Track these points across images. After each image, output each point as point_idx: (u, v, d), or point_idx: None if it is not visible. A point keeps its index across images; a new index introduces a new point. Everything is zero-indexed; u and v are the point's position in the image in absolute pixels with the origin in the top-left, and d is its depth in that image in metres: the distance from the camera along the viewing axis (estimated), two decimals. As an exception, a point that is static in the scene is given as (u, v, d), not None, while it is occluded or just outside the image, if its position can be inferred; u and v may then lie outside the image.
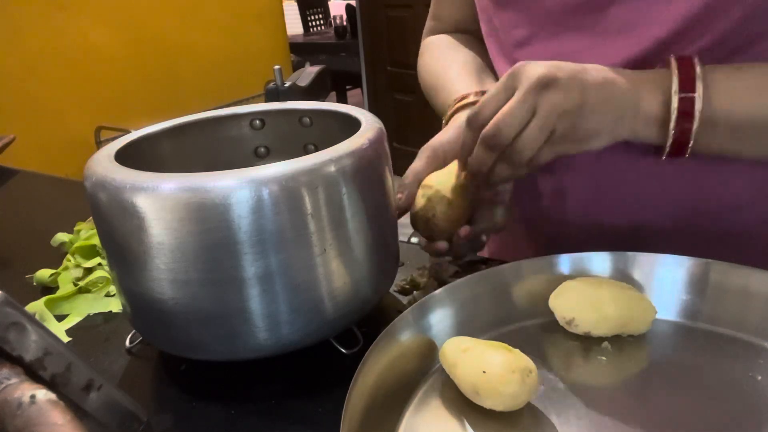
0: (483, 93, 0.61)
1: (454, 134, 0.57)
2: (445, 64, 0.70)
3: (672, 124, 0.47)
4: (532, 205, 0.63)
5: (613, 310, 0.44)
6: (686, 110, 0.47)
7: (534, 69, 0.45)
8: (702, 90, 0.46)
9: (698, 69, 0.47)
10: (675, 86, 0.46)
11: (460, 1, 0.72)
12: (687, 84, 0.46)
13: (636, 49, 0.51)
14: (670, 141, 0.48)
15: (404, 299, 0.55)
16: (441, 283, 0.53)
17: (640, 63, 0.52)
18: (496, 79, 0.68)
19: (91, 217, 0.70)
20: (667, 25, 0.50)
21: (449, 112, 0.63)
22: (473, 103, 0.61)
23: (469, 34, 0.74)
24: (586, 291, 0.45)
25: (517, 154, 0.46)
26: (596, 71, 0.47)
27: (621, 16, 0.52)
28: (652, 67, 0.51)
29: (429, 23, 0.78)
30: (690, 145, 0.48)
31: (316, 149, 0.51)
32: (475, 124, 0.48)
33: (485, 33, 0.66)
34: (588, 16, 0.54)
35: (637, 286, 0.47)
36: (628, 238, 0.58)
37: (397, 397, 0.40)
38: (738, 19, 0.47)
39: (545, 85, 0.45)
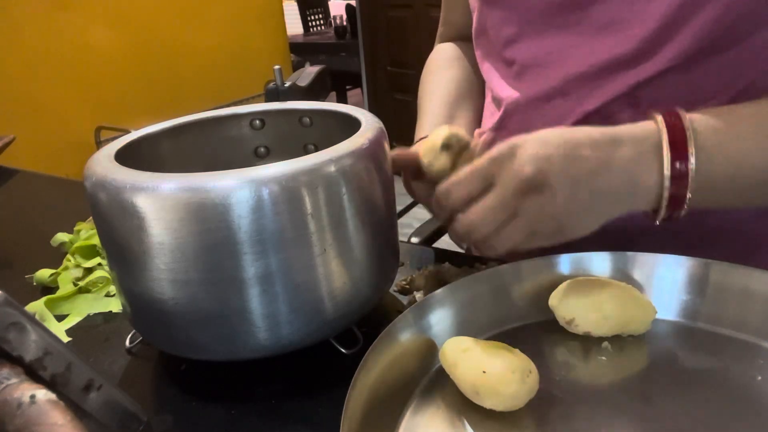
0: None
1: None
2: (430, 88, 0.71)
3: (666, 194, 0.44)
4: None
5: (613, 310, 0.44)
6: (681, 180, 0.43)
7: (521, 166, 0.41)
8: (695, 157, 0.43)
9: (688, 133, 0.43)
10: (667, 156, 0.43)
11: (463, 7, 0.73)
12: (680, 152, 0.43)
13: (622, 48, 0.52)
14: (663, 211, 0.45)
15: (404, 299, 0.55)
16: (441, 284, 0.53)
17: (627, 61, 0.52)
18: (477, 96, 0.69)
19: (91, 217, 0.70)
20: (648, 23, 0.50)
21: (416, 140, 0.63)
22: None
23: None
24: (586, 291, 0.45)
25: (491, 250, 0.45)
26: (591, 152, 0.43)
27: (603, 14, 0.52)
28: (634, 67, 0.51)
29: (440, 29, 0.80)
30: (683, 211, 0.45)
31: (316, 149, 0.51)
32: (445, 205, 0.46)
33: (474, 33, 0.67)
34: (571, 14, 0.54)
35: (637, 286, 0.47)
36: (628, 239, 0.58)
37: (397, 397, 0.40)
38: (716, 17, 0.47)
39: (530, 187, 0.41)
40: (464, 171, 0.45)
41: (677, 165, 0.43)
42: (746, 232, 0.58)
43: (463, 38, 0.76)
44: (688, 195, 0.44)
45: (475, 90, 0.71)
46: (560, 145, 0.42)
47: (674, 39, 0.49)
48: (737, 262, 0.46)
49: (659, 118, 0.44)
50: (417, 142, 0.63)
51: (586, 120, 0.55)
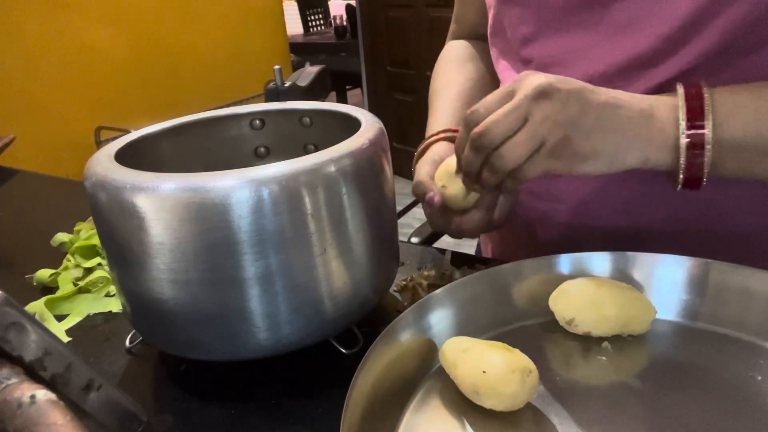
0: (454, 131, 0.62)
1: (434, 169, 0.57)
2: (442, 84, 0.71)
3: (682, 158, 0.45)
4: (532, 205, 0.63)
5: (613, 310, 0.44)
6: (696, 142, 0.45)
7: (536, 78, 0.44)
8: (712, 121, 0.44)
9: (706, 97, 0.45)
10: (683, 118, 0.45)
11: (477, 5, 0.73)
12: (696, 115, 0.45)
13: (641, 47, 0.51)
14: (682, 174, 0.46)
15: (404, 299, 0.55)
16: (441, 284, 0.53)
17: (647, 61, 0.51)
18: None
19: (91, 217, 0.70)
20: (671, 22, 0.49)
21: (420, 147, 0.63)
22: (446, 139, 0.62)
23: (485, 41, 0.74)
24: (586, 291, 0.45)
25: (500, 160, 0.44)
26: (607, 93, 0.45)
27: (624, 12, 0.52)
28: (655, 66, 0.50)
29: (452, 26, 0.79)
30: (704, 175, 0.46)
31: (316, 149, 0.51)
32: (469, 123, 0.47)
33: (490, 31, 0.66)
34: (591, 12, 0.54)
35: (637, 286, 0.47)
36: (628, 239, 0.58)
37: (397, 397, 0.40)
38: (741, 16, 0.47)
39: (542, 93, 0.43)
40: (491, 95, 0.46)
41: (693, 123, 0.44)
42: (754, 237, 0.58)
43: (475, 36, 0.76)
44: (707, 153, 0.44)
45: (488, 89, 0.70)
46: (578, 81, 0.45)
47: (698, 38, 0.49)
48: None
49: (679, 85, 0.47)
50: (428, 138, 0.63)
51: None
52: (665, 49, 0.50)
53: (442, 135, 0.62)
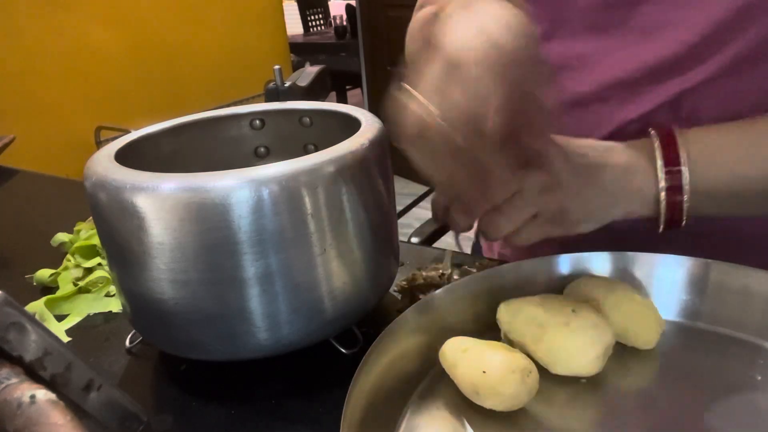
0: None
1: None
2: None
3: (663, 200, 0.47)
4: None
5: (615, 320, 0.43)
6: (675, 185, 0.46)
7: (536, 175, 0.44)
8: (688, 164, 0.46)
9: (680, 142, 0.46)
10: (660, 162, 0.46)
11: None
12: (672, 159, 0.46)
13: (666, 53, 0.50)
14: (663, 217, 0.48)
15: (404, 299, 0.55)
16: (441, 284, 0.53)
17: (672, 67, 0.50)
18: None
19: (91, 217, 0.70)
20: (697, 29, 0.48)
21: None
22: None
23: None
24: (590, 294, 0.45)
25: (496, 232, 0.46)
26: (590, 149, 0.47)
27: (648, 17, 0.50)
28: (679, 74, 0.50)
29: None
30: (684, 218, 0.48)
31: (316, 149, 0.51)
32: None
33: None
34: (612, 14, 0.52)
35: (637, 286, 0.47)
36: (628, 238, 0.58)
37: (397, 397, 0.40)
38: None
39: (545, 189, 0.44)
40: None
41: (670, 169, 0.46)
42: (754, 237, 0.58)
43: None
44: (685, 198, 0.46)
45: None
46: (563, 143, 0.45)
47: (725, 46, 0.48)
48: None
49: (652, 131, 0.48)
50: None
51: (625, 128, 0.54)
52: (691, 55, 0.49)
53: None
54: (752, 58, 0.48)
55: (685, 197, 0.46)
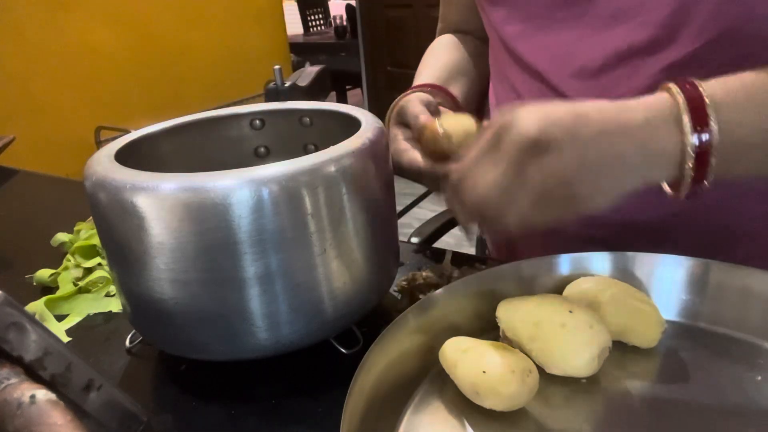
0: (430, 86, 0.63)
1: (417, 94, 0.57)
2: (427, 63, 0.72)
3: (691, 161, 0.41)
4: None
5: (613, 319, 0.43)
6: (704, 143, 0.41)
7: (525, 127, 0.39)
8: (716, 124, 0.41)
9: (708, 101, 0.41)
10: (688, 124, 0.40)
11: (459, 4, 0.75)
12: (700, 120, 0.41)
13: (638, 36, 0.51)
14: (687, 180, 0.42)
15: (404, 299, 0.55)
16: (441, 284, 0.53)
17: (648, 48, 0.51)
18: (473, 78, 0.69)
19: (91, 217, 0.70)
20: (660, 10, 0.49)
21: (394, 102, 0.60)
22: (420, 91, 0.61)
23: (471, 35, 0.75)
24: (588, 296, 0.45)
25: (503, 224, 0.41)
26: (597, 115, 0.41)
27: (611, 3, 0.52)
28: (650, 57, 0.50)
29: (439, 25, 0.81)
30: (709, 180, 0.42)
31: (316, 149, 0.51)
32: (456, 186, 0.43)
33: (487, 27, 0.67)
34: (575, 7, 0.54)
35: (637, 286, 0.47)
36: (626, 235, 0.58)
37: (397, 397, 0.40)
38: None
39: (537, 150, 0.38)
40: (470, 154, 0.42)
41: (699, 132, 0.40)
42: (754, 236, 0.58)
43: (460, 32, 0.77)
44: (712, 161, 0.41)
45: (470, 73, 0.71)
46: (565, 109, 0.40)
47: (692, 20, 0.48)
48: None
49: (673, 87, 0.42)
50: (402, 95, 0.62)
51: None
52: (663, 34, 0.50)
53: (416, 89, 0.62)
54: (725, 34, 0.48)
55: (713, 159, 0.41)
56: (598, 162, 0.40)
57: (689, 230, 0.57)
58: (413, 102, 0.56)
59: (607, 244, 0.56)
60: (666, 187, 0.45)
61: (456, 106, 0.64)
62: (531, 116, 0.39)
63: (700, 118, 0.40)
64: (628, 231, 0.58)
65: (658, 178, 0.43)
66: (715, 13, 0.48)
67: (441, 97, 0.63)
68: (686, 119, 0.41)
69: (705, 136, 0.40)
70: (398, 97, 0.62)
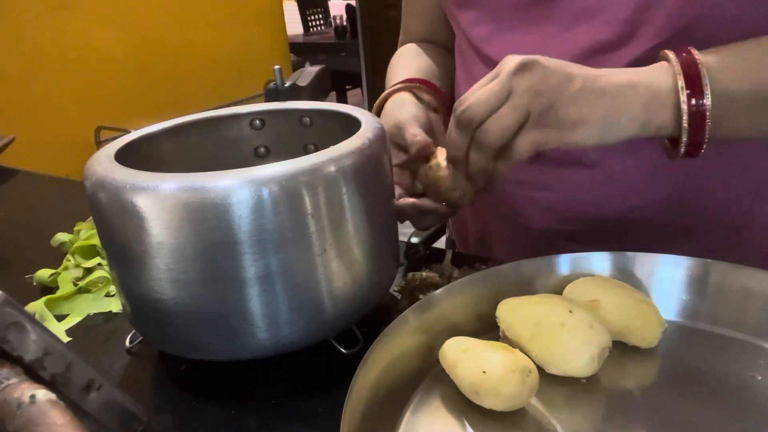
0: (416, 80, 0.64)
1: (413, 109, 0.59)
2: (399, 67, 0.72)
3: (685, 120, 0.44)
4: (522, 194, 0.63)
5: (613, 317, 0.43)
6: (695, 85, 0.44)
7: (518, 56, 0.45)
8: (706, 67, 0.44)
9: (694, 49, 0.45)
10: (681, 80, 0.44)
11: (423, 15, 0.75)
12: (689, 61, 0.44)
13: (603, 34, 0.52)
14: (685, 138, 0.45)
15: (404, 299, 0.55)
16: (441, 284, 0.53)
17: (612, 44, 0.52)
18: (441, 84, 0.70)
19: (91, 217, 0.70)
20: (622, 7, 0.50)
21: (381, 96, 0.65)
22: (405, 89, 0.63)
23: (434, 44, 0.76)
24: (587, 294, 0.45)
25: (486, 135, 0.44)
26: (589, 67, 0.46)
27: (574, 4, 0.53)
28: (613, 53, 0.52)
29: (400, 36, 0.81)
30: (707, 128, 0.44)
31: (316, 149, 0.51)
32: (457, 111, 0.47)
33: (456, 31, 0.67)
34: (541, 7, 0.55)
35: (637, 286, 0.47)
36: (619, 226, 0.59)
37: (397, 397, 0.40)
38: None
39: (523, 67, 0.44)
40: (478, 82, 0.47)
41: (688, 70, 0.44)
42: (753, 235, 0.58)
43: (425, 41, 0.78)
44: (707, 102, 0.43)
45: (440, 77, 0.71)
46: (564, 61, 0.45)
47: (652, 19, 0.50)
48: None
49: (668, 53, 0.46)
50: (388, 89, 0.65)
51: None
52: (626, 31, 0.51)
53: (400, 85, 0.64)
54: (678, 34, 0.49)
55: (707, 100, 0.43)
56: (583, 91, 0.44)
57: (650, 224, 0.58)
58: (410, 124, 0.57)
59: (574, 237, 0.57)
60: (667, 145, 0.48)
61: (442, 103, 0.66)
62: (525, 55, 0.45)
63: (688, 59, 0.44)
64: (593, 225, 0.59)
65: (655, 123, 0.45)
66: (674, 13, 0.49)
67: (430, 94, 0.65)
68: (675, 61, 0.45)
69: (695, 73, 0.44)
70: (386, 91, 0.65)
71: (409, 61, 0.72)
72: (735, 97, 0.45)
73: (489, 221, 0.71)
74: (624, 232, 0.59)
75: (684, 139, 0.45)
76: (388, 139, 0.56)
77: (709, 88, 0.43)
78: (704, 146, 0.45)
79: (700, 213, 0.57)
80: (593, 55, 0.53)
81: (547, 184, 0.60)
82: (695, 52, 0.45)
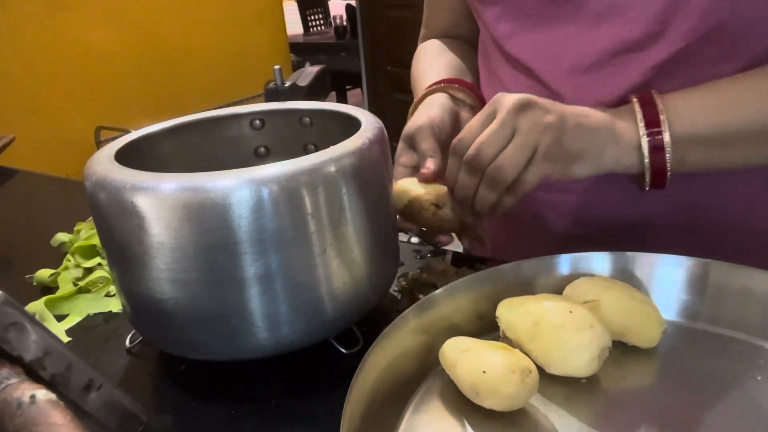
0: (452, 81, 0.65)
1: (434, 112, 0.59)
2: (428, 65, 0.72)
3: (646, 157, 0.49)
4: (539, 196, 0.63)
5: (613, 316, 0.43)
6: (656, 142, 0.48)
7: (512, 95, 0.47)
8: (667, 121, 0.48)
9: (659, 103, 0.49)
10: (641, 120, 0.49)
11: (447, 9, 0.75)
12: (652, 119, 0.49)
13: (630, 32, 0.52)
14: (648, 172, 0.50)
15: (404, 299, 0.55)
16: (441, 284, 0.53)
17: (639, 44, 0.52)
18: (476, 79, 0.71)
19: (91, 217, 0.70)
20: (649, 7, 0.50)
21: (417, 98, 0.65)
22: (440, 90, 0.64)
23: (458, 39, 0.76)
24: (587, 294, 0.45)
25: (499, 172, 0.46)
26: (571, 106, 0.49)
27: (603, 1, 0.52)
28: (641, 53, 0.52)
29: (422, 32, 0.81)
30: (668, 172, 0.49)
31: (316, 149, 0.51)
32: (459, 150, 0.49)
33: (480, 27, 0.67)
34: (568, 3, 0.54)
35: (636, 286, 0.47)
36: (634, 229, 0.58)
37: (397, 397, 0.40)
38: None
39: (523, 106, 0.46)
40: (472, 120, 0.49)
41: (650, 123, 0.49)
42: (753, 236, 0.58)
43: (448, 37, 0.78)
44: (666, 138, 0.48)
45: (466, 74, 0.71)
46: (545, 99, 0.48)
47: (683, 17, 0.49)
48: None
49: (631, 96, 0.51)
50: (427, 87, 0.65)
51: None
52: (655, 30, 0.51)
53: (435, 86, 0.64)
54: (714, 30, 0.49)
55: (667, 147, 0.48)
56: (578, 128, 0.48)
57: (667, 229, 0.58)
58: (425, 133, 0.58)
59: (589, 240, 0.57)
60: (639, 181, 0.51)
61: (479, 101, 0.66)
62: (515, 94, 0.47)
63: (652, 118, 0.49)
64: (610, 229, 0.60)
65: (625, 161, 0.50)
66: (706, 11, 0.48)
67: (465, 93, 0.65)
68: (637, 107, 0.49)
69: (657, 129, 0.48)
70: (424, 92, 0.65)
71: (436, 59, 0.72)
72: (696, 138, 0.49)
73: (506, 224, 0.71)
74: (641, 236, 0.59)
75: (647, 175, 0.50)
76: (401, 137, 0.59)
77: (668, 130, 0.48)
78: (668, 179, 0.50)
79: (720, 217, 0.57)
80: (617, 56, 0.53)
81: (567, 186, 0.60)
82: (656, 95, 0.50)
